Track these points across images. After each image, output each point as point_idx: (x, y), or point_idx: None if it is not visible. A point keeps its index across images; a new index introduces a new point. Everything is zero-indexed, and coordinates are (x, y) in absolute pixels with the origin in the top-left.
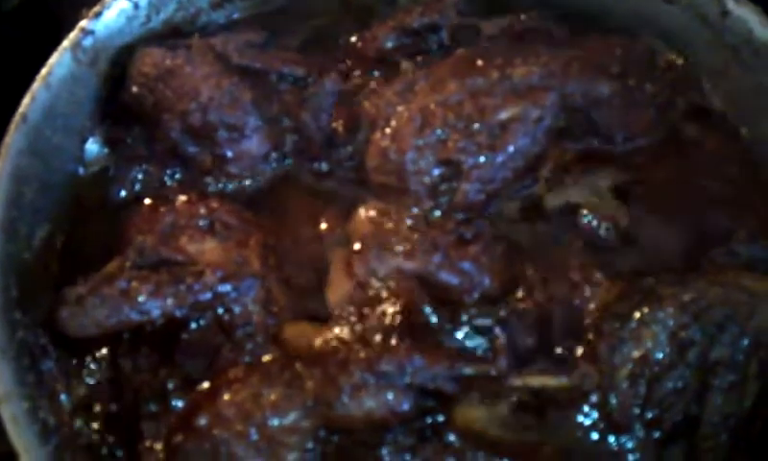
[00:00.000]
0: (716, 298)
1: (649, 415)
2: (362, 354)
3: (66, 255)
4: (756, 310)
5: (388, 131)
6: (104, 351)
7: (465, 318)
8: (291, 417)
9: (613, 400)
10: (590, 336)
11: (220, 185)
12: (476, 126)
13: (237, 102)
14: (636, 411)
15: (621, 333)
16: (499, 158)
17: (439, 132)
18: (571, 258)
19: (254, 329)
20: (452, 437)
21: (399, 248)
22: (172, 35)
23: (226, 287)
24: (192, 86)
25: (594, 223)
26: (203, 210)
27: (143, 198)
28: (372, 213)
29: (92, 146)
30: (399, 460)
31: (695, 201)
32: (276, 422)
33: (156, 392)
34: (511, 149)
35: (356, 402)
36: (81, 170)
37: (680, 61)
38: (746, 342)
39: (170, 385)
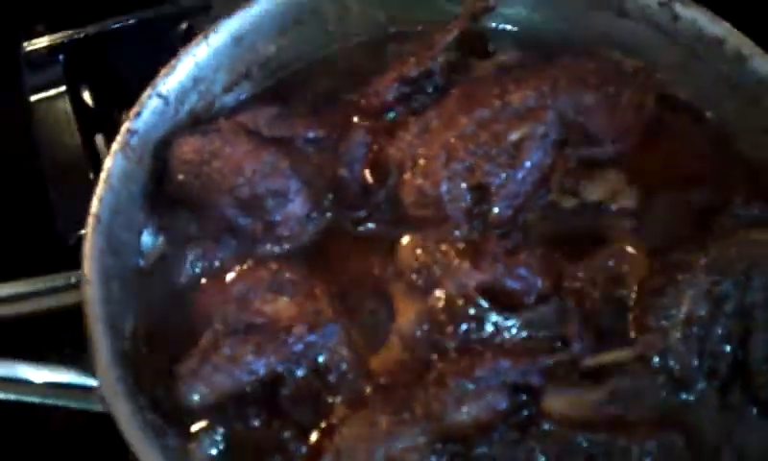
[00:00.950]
0: (735, 254)
1: (705, 367)
2: (454, 367)
3: (152, 343)
4: None
5: (418, 169)
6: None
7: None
8: (408, 438)
9: (672, 361)
10: (636, 311)
11: (271, 250)
12: (494, 150)
13: (277, 170)
14: (695, 365)
15: (664, 302)
16: (519, 175)
17: (464, 161)
18: (597, 247)
19: (347, 368)
20: (547, 425)
21: (467, 264)
22: (194, 123)
23: (313, 337)
24: (235, 164)
25: (611, 208)
26: (265, 274)
27: (204, 276)
28: (417, 242)
29: (147, 238)
30: (510, 454)
31: (686, 181)
32: (397, 445)
33: (276, 443)
34: (528, 164)
35: (463, 411)
36: (141, 262)
37: (643, 66)
38: None
39: (286, 435)
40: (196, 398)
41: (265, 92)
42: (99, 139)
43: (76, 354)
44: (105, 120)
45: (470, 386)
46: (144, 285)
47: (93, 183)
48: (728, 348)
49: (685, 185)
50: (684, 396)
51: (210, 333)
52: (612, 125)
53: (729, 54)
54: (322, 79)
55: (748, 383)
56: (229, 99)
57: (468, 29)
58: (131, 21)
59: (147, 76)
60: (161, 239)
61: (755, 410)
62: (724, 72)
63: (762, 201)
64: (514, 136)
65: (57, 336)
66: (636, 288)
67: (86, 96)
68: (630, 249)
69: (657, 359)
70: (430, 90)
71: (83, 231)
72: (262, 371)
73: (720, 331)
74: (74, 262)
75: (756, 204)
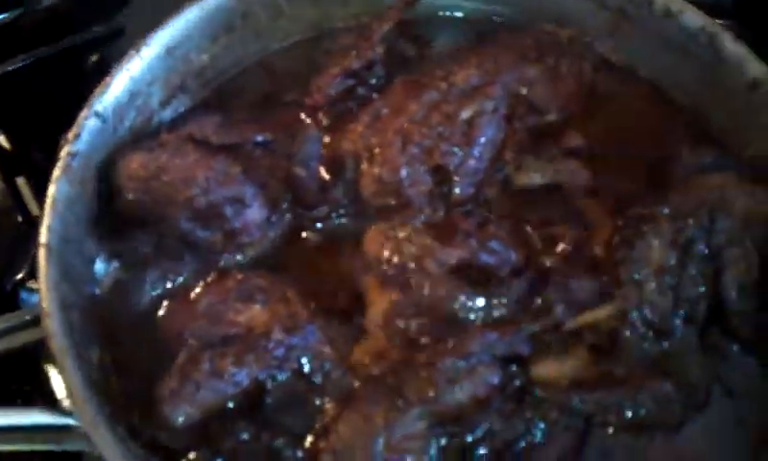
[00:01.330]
0: (695, 200)
1: (682, 313)
2: (442, 348)
3: (121, 370)
4: (730, 198)
5: (375, 158)
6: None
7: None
8: (406, 425)
9: (650, 313)
10: (608, 269)
11: (234, 259)
12: (448, 130)
13: (230, 176)
14: (672, 312)
15: (633, 255)
16: (476, 151)
17: (420, 144)
18: (559, 215)
19: (331, 366)
20: (540, 391)
21: (441, 243)
22: (136, 140)
23: (293, 339)
24: (186, 175)
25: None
26: (232, 284)
27: (167, 296)
28: (382, 232)
29: (100, 265)
30: (510, 426)
31: (632, 139)
32: (396, 434)
33: (271, 454)
34: (482, 140)
35: (457, 390)
36: (97, 290)
37: (576, 34)
38: (736, 223)
39: (279, 443)
40: (181, 418)
41: (204, 103)
42: (20, 182)
43: (38, 394)
44: (24, 161)
45: (462, 364)
46: (104, 313)
47: (21, 227)
48: (701, 290)
49: (632, 143)
50: (665, 344)
51: (186, 351)
52: (554, 94)
53: (658, 11)
54: (260, 83)
55: (726, 323)
56: (168, 113)
57: (403, 18)
58: (37, 57)
59: (64, 110)
60: (115, 265)
61: (735, 348)
62: (654, 30)
63: (708, 147)
64: (465, 114)
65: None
66: (601, 247)
67: (2, 139)
68: (590, 210)
69: (635, 313)
70: (373, 82)
71: (19, 276)
72: (246, 381)
73: (691, 277)
74: (11, 308)
75: (703, 150)
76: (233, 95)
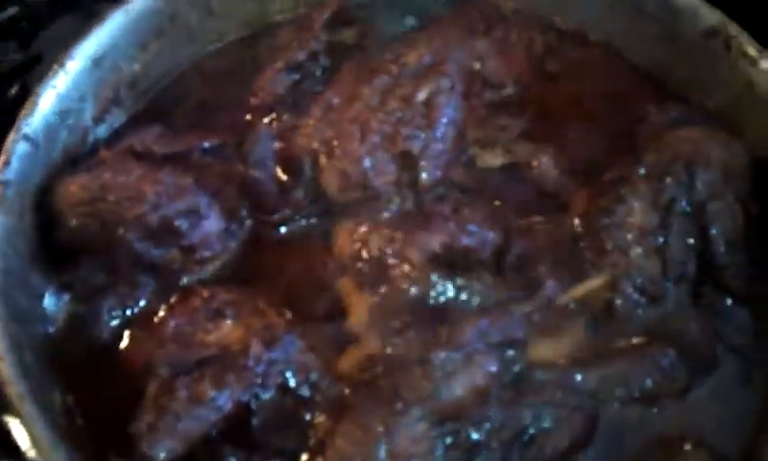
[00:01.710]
0: (670, 155)
1: (673, 274)
2: (434, 342)
3: (88, 413)
4: (705, 150)
5: (334, 152)
6: None
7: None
8: (408, 428)
9: (640, 278)
10: (590, 240)
11: (197, 276)
12: (408, 114)
13: (182, 188)
14: (662, 274)
15: (613, 221)
16: (438, 133)
17: (380, 132)
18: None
19: (318, 377)
20: (540, 374)
21: (421, 230)
22: (72, 163)
23: (273, 353)
24: (134, 192)
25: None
26: (198, 302)
27: (128, 325)
28: (353, 229)
29: (49, 300)
30: (513, 414)
31: (592, 105)
32: (397, 439)
33: None
34: (444, 120)
35: (456, 384)
36: (50, 328)
37: (520, 6)
38: (716, 175)
39: None
40: (162, 454)
41: (140, 114)
42: None
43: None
44: None
45: (456, 355)
46: (61, 352)
47: None
48: (689, 248)
49: (593, 110)
50: (660, 309)
51: (156, 381)
52: (507, 66)
53: None
54: (198, 87)
55: (717, 277)
56: (103, 130)
57: (342, 4)
58: None
59: None
60: (66, 299)
61: (729, 301)
62: None
63: (673, 102)
64: (422, 96)
65: None
66: (579, 217)
67: None
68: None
69: (625, 281)
70: (318, 73)
71: None
72: (228, 404)
73: (677, 235)
74: None
75: (669, 106)
76: (172, 103)
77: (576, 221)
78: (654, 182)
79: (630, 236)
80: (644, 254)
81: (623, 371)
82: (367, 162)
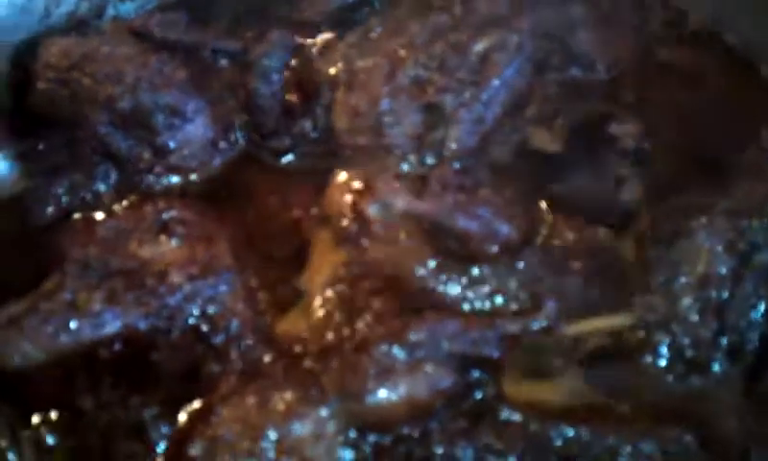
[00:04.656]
0: (764, 196)
1: (726, 343)
2: (382, 329)
3: None
4: None
5: (354, 85)
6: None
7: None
8: (311, 422)
9: (681, 335)
10: (635, 270)
11: (163, 182)
12: (453, 62)
13: (170, 80)
14: (712, 340)
15: (670, 255)
16: (485, 95)
17: (411, 73)
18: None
19: (241, 330)
20: (509, 412)
21: (404, 187)
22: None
23: (197, 285)
24: (114, 68)
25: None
26: (150, 211)
27: (68, 214)
28: (351, 181)
29: (2, 164)
30: (456, 451)
31: (697, 115)
32: (294, 430)
33: (131, 428)
34: (496, 82)
35: (388, 388)
36: None
37: None
38: None
39: (147, 416)
40: (16, 357)
41: (172, 3)
42: None
43: None
44: None
45: (401, 354)
46: None
47: None
48: (757, 316)
49: (693, 117)
50: (697, 381)
51: (56, 278)
52: (604, 44)
53: None
54: None
55: None
56: (128, 8)
57: None
58: None
59: None
60: (19, 169)
61: None
62: None
63: None
64: (479, 47)
65: None
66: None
67: None
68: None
69: (662, 333)
70: (378, 6)
71: None
72: (114, 326)
73: (747, 295)
74: None
75: None
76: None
77: (626, 240)
78: (737, 221)
79: (685, 280)
80: (698, 308)
81: (618, 442)
82: (385, 103)
